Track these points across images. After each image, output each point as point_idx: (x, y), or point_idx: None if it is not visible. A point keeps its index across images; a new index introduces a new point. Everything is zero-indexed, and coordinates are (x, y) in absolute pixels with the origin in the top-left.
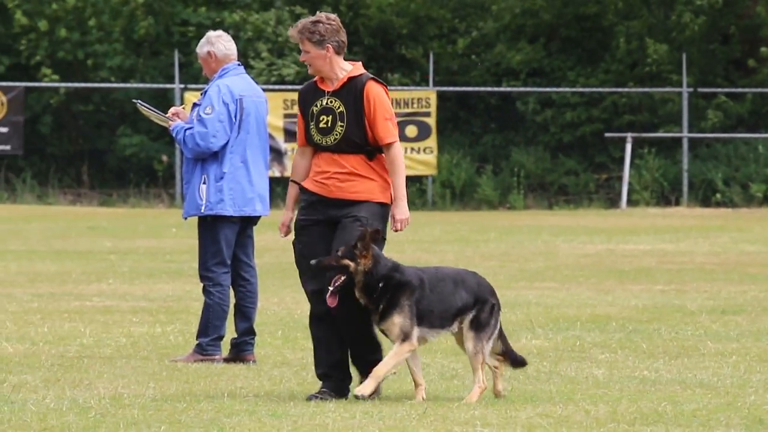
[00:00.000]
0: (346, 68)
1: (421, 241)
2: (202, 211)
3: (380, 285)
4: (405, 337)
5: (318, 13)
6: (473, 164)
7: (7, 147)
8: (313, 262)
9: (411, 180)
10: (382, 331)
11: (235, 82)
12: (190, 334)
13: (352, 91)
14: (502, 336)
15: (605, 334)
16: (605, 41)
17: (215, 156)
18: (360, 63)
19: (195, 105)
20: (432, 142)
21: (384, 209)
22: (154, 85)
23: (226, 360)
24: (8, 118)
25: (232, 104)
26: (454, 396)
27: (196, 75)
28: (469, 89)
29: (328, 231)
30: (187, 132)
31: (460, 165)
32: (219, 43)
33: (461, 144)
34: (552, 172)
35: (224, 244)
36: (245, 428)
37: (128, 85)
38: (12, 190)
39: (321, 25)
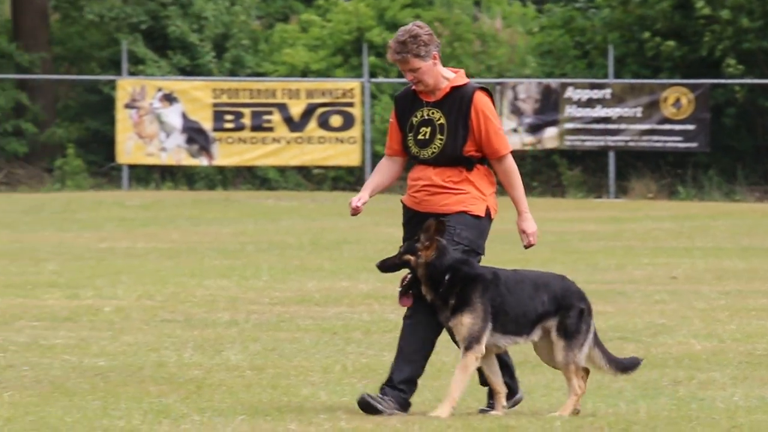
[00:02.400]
0: (448, 76)
1: None
2: None
3: (446, 277)
4: (471, 341)
5: (405, 27)
6: None
7: (694, 144)
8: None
9: None
10: (449, 330)
11: None
12: None
13: (456, 101)
14: (598, 344)
15: None
16: None
17: None
18: (462, 71)
19: None
20: None
21: (478, 222)
22: None
23: None
24: (695, 115)
25: None
26: None
27: None
28: None
29: None
30: None
31: None
32: None
33: None
34: None
35: None
36: None
37: None
38: (699, 188)
39: (420, 36)
